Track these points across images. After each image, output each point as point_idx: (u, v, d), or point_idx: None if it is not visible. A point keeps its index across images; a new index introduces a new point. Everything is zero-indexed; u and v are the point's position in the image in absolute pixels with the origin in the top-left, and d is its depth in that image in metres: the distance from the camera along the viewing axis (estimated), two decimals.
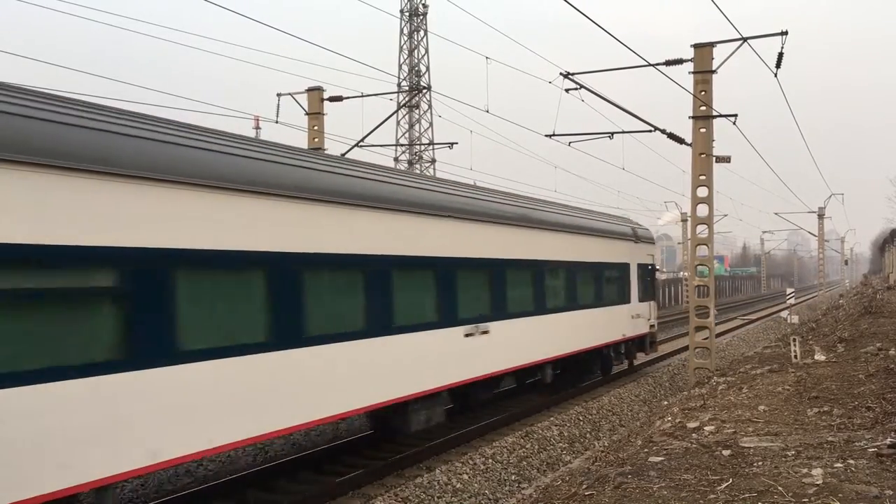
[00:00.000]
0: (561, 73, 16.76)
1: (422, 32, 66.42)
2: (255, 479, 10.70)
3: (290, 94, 20.72)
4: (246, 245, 8.04)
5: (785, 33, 16.17)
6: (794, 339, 14.78)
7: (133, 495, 10.48)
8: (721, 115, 17.57)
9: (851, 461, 6.70)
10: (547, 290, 15.31)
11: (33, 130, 6.23)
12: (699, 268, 19.38)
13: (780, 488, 5.97)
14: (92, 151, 6.57)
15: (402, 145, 64.89)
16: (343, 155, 16.67)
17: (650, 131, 18.61)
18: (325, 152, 18.64)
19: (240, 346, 7.93)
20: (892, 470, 6.39)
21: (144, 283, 6.94)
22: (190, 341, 7.38)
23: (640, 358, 22.99)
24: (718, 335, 25.30)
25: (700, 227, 18.68)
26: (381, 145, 26.70)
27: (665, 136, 18.07)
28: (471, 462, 11.15)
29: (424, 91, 61.75)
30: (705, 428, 8.69)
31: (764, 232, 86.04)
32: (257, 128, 37.45)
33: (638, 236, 21.32)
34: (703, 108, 17.41)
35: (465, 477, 10.54)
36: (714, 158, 17.77)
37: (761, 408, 9.62)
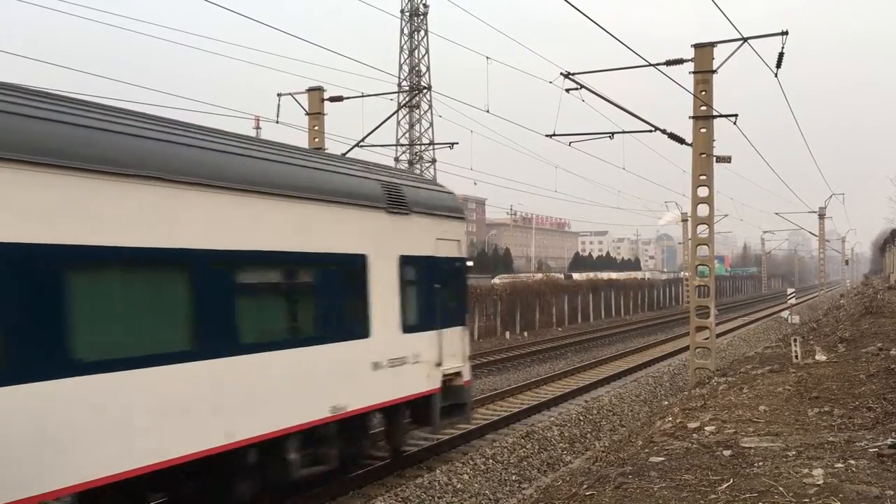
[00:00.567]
0: (561, 73, 16.75)
1: (422, 32, 66.41)
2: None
3: (290, 94, 20.71)
4: None
5: (785, 33, 16.17)
6: (795, 340, 14.78)
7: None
8: (721, 115, 17.56)
9: (852, 461, 6.70)
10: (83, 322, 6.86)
11: None
12: (700, 268, 19.36)
13: (780, 488, 5.97)
14: None
15: (402, 145, 64.88)
16: (344, 155, 16.27)
17: (650, 131, 18.59)
18: None
19: None
20: (893, 470, 6.38)
21: None
22: None
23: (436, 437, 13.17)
24: (719, 335, 25.28)
25: (701, 227, 18.67)
26: (381, 145, 26.76)
27: (665, 136, 18.06)
28: (471, 462, 11.15)
29: (425, 91, 61.71)
30: (706, 428, 8.68)
31: (764, 232, 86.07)
32: (258, 128, 37.42)
33: (401, 202, 11.11)
34: (704, 108, 17.40)
35: (466, 477, 10.54)
36: (714, 158, 17.77)
37: (762, 408, 9.61)
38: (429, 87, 61.83)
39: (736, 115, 17.55)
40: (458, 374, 12.21)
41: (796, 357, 14.00)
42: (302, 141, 21.47)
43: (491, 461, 11.38)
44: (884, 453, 6.84)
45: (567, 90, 16.88)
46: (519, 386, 19.91)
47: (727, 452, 7.27)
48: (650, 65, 16.19)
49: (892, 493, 5.72)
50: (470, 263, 22.02)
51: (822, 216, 60.55)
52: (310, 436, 9.32)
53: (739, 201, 62.20)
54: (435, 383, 11.56)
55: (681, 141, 17.90)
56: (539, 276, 54.43)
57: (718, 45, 17.11)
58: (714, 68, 17.17)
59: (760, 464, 6.80)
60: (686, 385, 18.35)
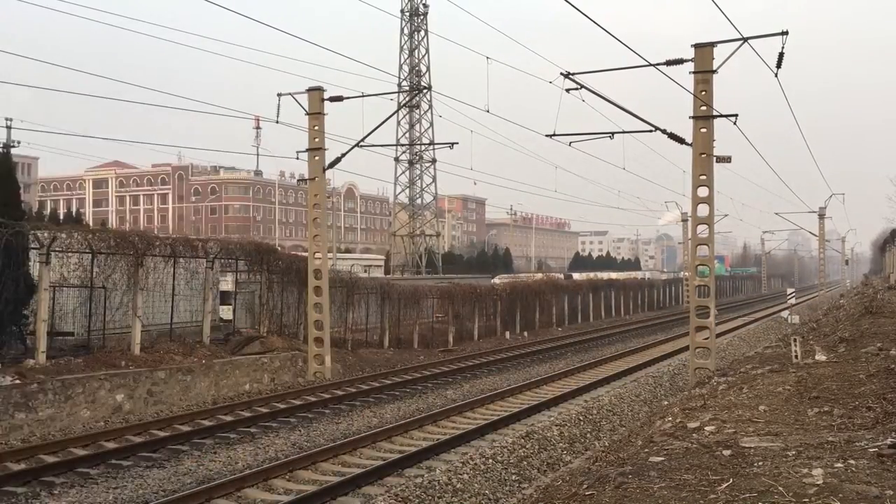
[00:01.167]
0: (561, 73, 16.76)
1: (422, 32, 66.45)
2: (255, 480, 10.67)
3: (290, 94, 20.72)
4: None
5: (785, 33, 16.17)
6: (795, 339, 14.77)
7: (133, 495, 10.49)
8: (721, 115, 17.57)
9: (852, 461, 6.69)
10: None
11: None
12: (700, 268, 19.37)
13: (780, 488, 5.97)
14: None
15: (402, 145, 64.86)
16: (343, 155, 16.30)
17: (651, 131, 18.60)
18: None
19: None
20: (893, 470, 6.38)
21: None
22: None
23: None
24: (719, 335, 25.28)
25: (701, 227, 18.68)
26: (381, 145, 26.72)
27: (665, 136, 18.07)
28: (471, 462, 11.14)
29: (425, 91, 61.73)
30: (706, 428, 8.68)
31: (764, 232, 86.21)
32: (258, 128, 37.45)
33: None
34: (704, 108, 17.41)
35: (466, 477, 10.53)
36: (714, 158, 17.78)
37: (762, 408, 9.61)
38: (429, 87, 61.85)
39: (736, 115, 17.56)
40: None
41: (796, 357, 14.00)
42: (302, 141, 21.50)
43: (491, 461, 11.37)
44: (884, 453, 6.84)
45: (567, 90, 16.90)
46: (519, 386, 19.91)
47: (727, 452, 7.27)
48: (650, 65, 16.20)
49: (892, 493, 5.72)
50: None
51: (821, 216, 60.65)
52: None
53: (739, 201, 62.43)
54: None
55: (681, 141, 17.91)
56: (539, 276, 54.39)
57: (718, 45, 17.13)
58: (714, 68, 17.19)
59: (760, 464, 6.80)
60: (686, 385, 18.35)
